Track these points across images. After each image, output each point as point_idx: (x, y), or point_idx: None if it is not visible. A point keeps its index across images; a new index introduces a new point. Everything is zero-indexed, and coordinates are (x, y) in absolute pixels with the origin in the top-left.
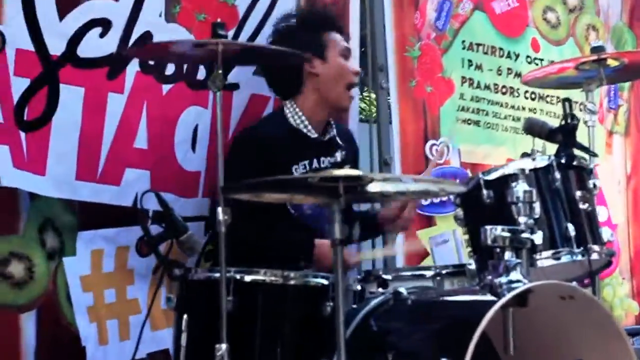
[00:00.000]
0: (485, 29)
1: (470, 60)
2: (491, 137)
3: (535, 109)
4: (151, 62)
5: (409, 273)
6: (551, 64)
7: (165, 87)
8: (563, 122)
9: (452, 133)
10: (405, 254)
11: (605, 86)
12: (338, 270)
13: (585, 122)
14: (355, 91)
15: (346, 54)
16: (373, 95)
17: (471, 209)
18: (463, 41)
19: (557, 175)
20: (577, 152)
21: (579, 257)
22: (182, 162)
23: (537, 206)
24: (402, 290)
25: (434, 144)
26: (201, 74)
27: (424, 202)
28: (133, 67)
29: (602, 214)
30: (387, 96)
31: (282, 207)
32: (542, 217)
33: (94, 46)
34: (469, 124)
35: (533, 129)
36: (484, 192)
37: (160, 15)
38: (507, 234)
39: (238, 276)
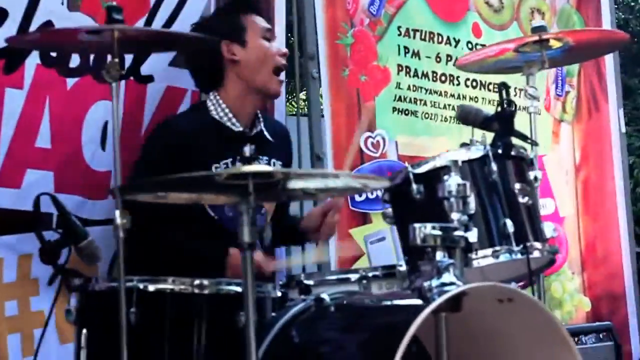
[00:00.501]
0: (422, 13)
1: (406, 47)
2: (430, 128)
3: (476, 97)
4: (53, 54)
5: (333, 277)
6: (488, 46)
7: (70, 81)
8: (499, 109)
9: (389, 125)
10: (338, 258)
11: (552, 72)
12: (247, 278)
13: (527, 109)
14: (283, 75)
15: (267, 35)
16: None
17: (400, 205)
18: (399, 27)
19: (494, 166)
20: (516, 141)
21: (519, 256)
22: (90, 162)
23: (471, 201)
24: (325, 296)
25: (369, 137)
26: None
27: (358, 198)
28: (33, 60)
29: (548, 206)
30: (319, 87)
31: (200, 209)
32: (477, 212)
33: None
34: (407, 114)
35: (467, 116)
36: (414, 186)
37: (62, 4)
38: (437, 232)
39: (141, 285)
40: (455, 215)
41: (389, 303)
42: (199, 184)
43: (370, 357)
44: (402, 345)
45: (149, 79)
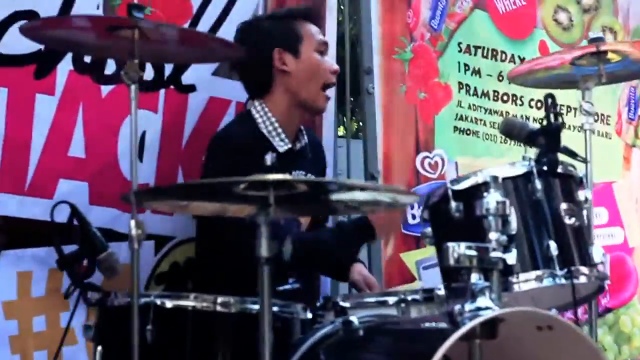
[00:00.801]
0: (485, 29)
1: (467, 65)
2: (491, 149)
3: (541, 119)
4: (87, 60)
5: (371, 300)
6: (542, 57)
7: (105, 89)
8: (545, 122)
9: (449, 144)
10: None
11: (624, 94)
12: (264, 295)
13: (582, 126)
14: (331, 92)
15: (322, 48)
16: None
17: (439, 224)
18: (459, 43)
19: (538, 184)
20: (565, 158)
21: (563, 281)
22: (127, 174)
23: (512, 220)
24: (354, 319)
25: (426, 157)
26: (148, 74)
27: (411, 221)
28: (65, 66)
29: (617, 235)
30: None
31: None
32: (519, 233)
33: (18, 41)
34: (468, 134)
35: (511, 130)
36: (452, 204)
37: (97, 8)
38: (472, 253)
39: (159, 301)
40: (493, 235)
41: (418, 327)
42: (219, 193)
43: None
44: None
45: (191, 88)
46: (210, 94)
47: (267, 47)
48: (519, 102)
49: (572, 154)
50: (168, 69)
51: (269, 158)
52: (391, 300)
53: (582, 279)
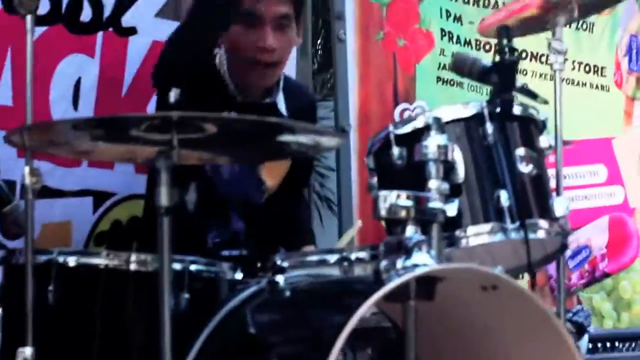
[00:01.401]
0: None
1: (448, 11)
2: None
3: (525, 70)
4: None
5: (313, 258)
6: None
7: (37, 30)
8: (498, 58)
9: (431, 95)
10: None
11: (624, 43)
12: (164, 249)
13: (552, 66)
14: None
15: (252, 20)
16: None
17: (383, 173)
18: None
19: (489, 127)
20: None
21: (514, 235)
22: None
23: (459, 167)
24: (280, 279)
25: (406, 109)
26: (85, 14)
27: None
28: None
29: (617, 194)
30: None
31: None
32: (468, 182)
33: None
34: (452, 84)
35: (462, 67)
36: (395, 150)
37: None
38: (407, 203)
39: (61, 259)
40: (433, 183)
41: (341, 289)
42: (117, 133)
43: (311, 349)
44: (339, 340)
45: (131, 31)
46: (154, 38)
47: None
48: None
49: (531, 94)
50: (107, 9)
51: (172, 94)
52: (332, 258)
53: (541, 234)
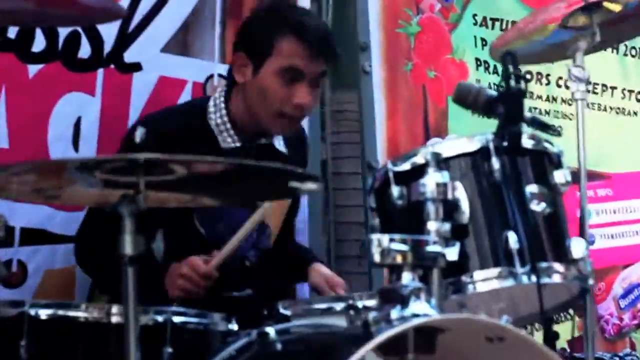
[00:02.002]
0: None
1: (484, 40)
2: None
3: (569, 100)
4: (11, 36)
5: (318, 306)
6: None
7: (33, 68)
8: (503, 86)
9: (465, 129)
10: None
11: None
12: (129, 300)
13: (573, 95)
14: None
15: (292, 75)
16: None
17: (384, 213)
18: (474, 15)
19: (496, 162)
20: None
21: (525, 280)
22: None
23: (463, 206)
24: (270, 330)
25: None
26: (84, 51)
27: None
28: None
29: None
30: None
31: (188, 220)
32: (474, 222)
33: None
34: (489, 117)
35: (465, 98)
36: (394, 189)
37: None
38: (402, 247)
39: (33, 312)
40: (432, 225)
41: (330, 342)
42: (83, 176)
43: None
44: None
45: (136, 67)
46: (160, 73)
47: (236, 46)
48: (544, 80)
49: (542, 125)
50: (108, 45)
51: (138, 134)
52: (338, 306)
53: (556, 278)
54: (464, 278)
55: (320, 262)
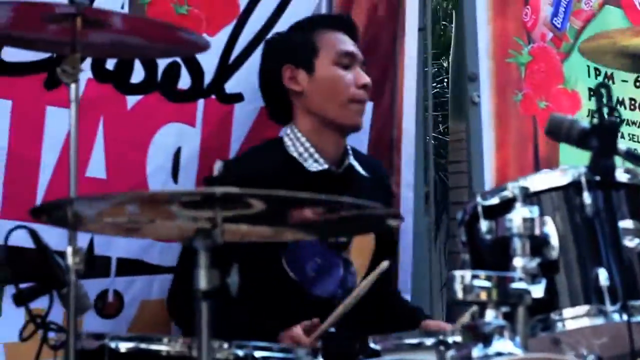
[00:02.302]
0: (619, 27)
1: (597, 69)
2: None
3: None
4: (109, 67)
5: (408, 341)
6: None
7: (131, 99)
8: (596, 119)
9: (578, 161)
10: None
11: None
12: (202, 336)
13: None
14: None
15: (345, 61)
16: None
17: (473, 248)
18: None
19: (587, 197)
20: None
21: (615, 318)
22: None
23: (554, 242)
24: None
25: None
26: (184, 82)
27: None
28: (83, 74)
29: None
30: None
31: (278, 268)
32: (564, 258)
33: None
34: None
35: (558, 130)
36: (483, 223)
37: (122, 7)
38: (484, 283)
39: (113, 345)
40: (518, 262)
41: None
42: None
43: None
44: None
45: (237, 97)
46: (262, 104)
47: (275, 64)
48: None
49: (636, 158)
50: (208, 76)
51: (216, 167)
52: (428, 342)
53: None
54: (553, 315)
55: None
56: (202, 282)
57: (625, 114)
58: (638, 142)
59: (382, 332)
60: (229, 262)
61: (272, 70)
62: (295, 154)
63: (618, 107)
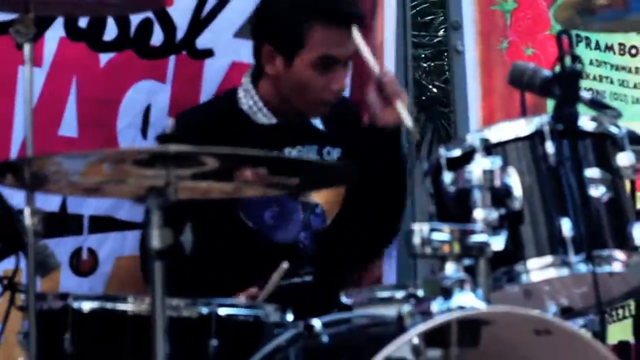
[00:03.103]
0: None
1: None
2: (623, 111)
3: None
4: (82, 25)
5: (380, 295)
6: None
7: (104, 57)
8: (558, 67)
9: None
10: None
11: None
12: (157, 295)
13: None
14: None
15: (325, 63)
16: None
17: (439, 200)
18: None
19: (550, 146)
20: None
21: (581, 269)
22: None
23: (516, 193)
24: (316, 322)
25: None
26: (157, 38)
27: None
28: (55, 33)
29: None
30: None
31: (232, 216)
32: (528, 209)
33: None
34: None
35: (520, 78)
36: (446, 175)
37: None
38: (443, 237)
39: (75, 305)
40: (478, 214)
41: (368, 335)
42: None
43: None
44: None
45: (208, 53)
46: (233, 58)
47: (259, 36)
48: None
49: (600, 106)
50: (180, 31)
51: (167, 125)
52: (399, 295)
53: (617, 267)
54: (517, 267)
55: None
56: (155, 241)
57: (615, 59)
58: (628, 87)
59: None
60: (183, 220)
61: (255, 38)
62: (245, 108)
63: (608, 52)
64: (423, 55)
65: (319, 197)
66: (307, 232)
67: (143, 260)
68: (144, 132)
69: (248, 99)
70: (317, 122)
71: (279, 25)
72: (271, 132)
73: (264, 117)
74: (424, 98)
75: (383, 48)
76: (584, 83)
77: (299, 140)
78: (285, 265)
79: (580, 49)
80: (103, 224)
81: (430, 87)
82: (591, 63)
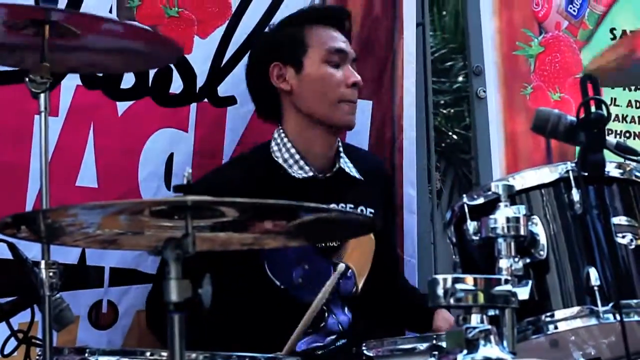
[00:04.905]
0: None
1: None
2: None
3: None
4: (99, 74)
5: (402, 346)
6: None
7: (122, 105)
8: (583, 114)
9: None
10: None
11: None
12: (175, 346)
13: None
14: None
15: (335, 58)
16: None
17: (462, 250)
18: (612, 29)
19: (576, 194)
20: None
21: (608, 319)
22: None
23: (542, 241)
24: None
25: None
26: (176, 86)
27: None
28: (71, 81)
29: None
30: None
31: (261, 275)
32: (554, 258)
33: None
34: (627, 137)
35: (544, 125)
36: (470, 224)
37: (110, 11)
38: (466, 287)
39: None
40: (503, 263)
41: None
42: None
43: None
44: None
45: (230, 100)
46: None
47: (263, 61)
48: None
49: (627, 151)
50: (200, 79)
51: (185, 175)
52: (422, 346)
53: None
54: (544, 317)
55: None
56: (173, 294)
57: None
58: None
59: (396, 323)
60: (203, 272)
61: (260, 67)
62: (280, 160)
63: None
64: (442, 102)
65: (350, 260)
66: (336, 294)
67: (152, 315)
68: (167, 182)
69: (283, 150)
70: (353, 171)
71: (278, 40)
72: (311, 186)
73: (300, 170)
74: (443, 145)
75: (403, 100)
76: (621, 126)
77: (344, 194)
78: (342, 266)
79: (617, 91)
80: (124, 276)
81: (450, 133)
82: (629, 105)
